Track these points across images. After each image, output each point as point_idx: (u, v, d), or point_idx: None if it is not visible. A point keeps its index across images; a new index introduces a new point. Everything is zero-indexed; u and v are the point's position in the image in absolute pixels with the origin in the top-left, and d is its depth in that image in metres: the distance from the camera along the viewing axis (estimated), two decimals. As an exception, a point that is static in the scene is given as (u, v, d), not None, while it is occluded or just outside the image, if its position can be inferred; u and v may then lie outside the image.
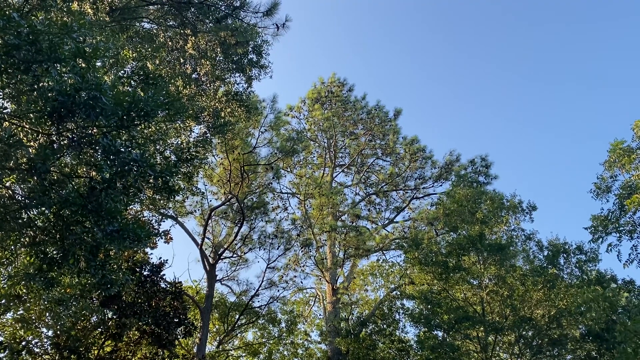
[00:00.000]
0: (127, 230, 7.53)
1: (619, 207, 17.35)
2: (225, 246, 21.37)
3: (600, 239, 18.14)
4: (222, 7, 12.70)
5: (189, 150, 11.54)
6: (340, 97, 27.46)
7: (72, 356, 14.71)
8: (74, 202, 7.30)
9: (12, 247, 9.14)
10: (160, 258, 17.40)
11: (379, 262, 24.72)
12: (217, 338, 24.01)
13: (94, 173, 7.69)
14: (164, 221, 18.98)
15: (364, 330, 20.83)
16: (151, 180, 7.69)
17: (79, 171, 8.27)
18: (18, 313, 14.49)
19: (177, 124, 14.16)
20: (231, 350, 25.22)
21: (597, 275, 20.27)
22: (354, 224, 23.64)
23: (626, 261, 17.24)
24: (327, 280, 23.29)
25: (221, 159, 21.34)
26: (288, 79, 60.53)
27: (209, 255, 21.22)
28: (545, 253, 20.13)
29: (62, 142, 7.47)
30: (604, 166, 17.86)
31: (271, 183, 22.56)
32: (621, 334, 17.83)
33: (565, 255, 20.14)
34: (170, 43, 13.60)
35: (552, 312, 17.40)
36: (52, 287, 9.34)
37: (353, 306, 23.33)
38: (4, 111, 7.62)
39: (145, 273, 16.61)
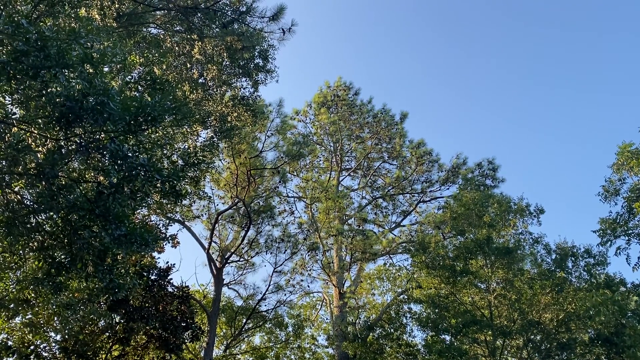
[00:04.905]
0: (134, 234, 7.55)
1: (628, 210, 17.22)
2: (232, 250, 21.41)
3: (609, 242, 18.00)
4: (229, 12, 12.75)
5: (195, 155, 11.57)
6: (347, 101, 27.46)
7: (80, 360, 14.76)
8: (82, 206, 7.33)
9: (21, 252, 9.19)
10: (167, 262, 17.48)
11: (385, 266, 24.67)
12: (224, 342, 24.03)
13: (101, 178, 7.73)
14: (171, 225, 19.07)
15: (371, 334, 20.78)
16: (158, 185, 7.72)
17: (87, 176, 8.32)
18: (26, 317, 14.57)
19: (184, 129, 14.21)
20: (238, 354, 25.24)
21: (606, 279, 20.11)
22: (361, 227, 23.60)
23: (635, 264, 17.09)
24: (334, 284, 23.25)
25: (228, 163, 21.40)
26: (294, 83, 60.68)
27: (216, 259, 21.26)
28: (554, 256, 20.01)
29: (70, 147, 7.51)
30: (612, 169, 17.74)
31: (277, 187, 22.59)
32: (631, 337, 17.68)
33: (573, 258, 20.00)
34: (177, 48, 13.67)
35: (561, 316, 17.28)
36: (60, 292, 9.38)
37: (360, 310, 23.28)
38: (13, 116, 7.68)
39: (152, 277, 16.66)
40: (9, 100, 7.72)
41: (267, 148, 20.59)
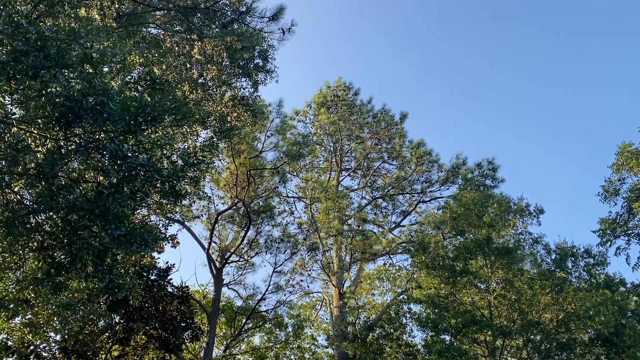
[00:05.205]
0: (134, 234, 7.55)
1: (627, 210, 17.23)
2: (231, 250, 21.40)
3: (609, 242, 18.01)
4: (228, 12, 12.75)
5: (195, 155, 11.58)
6: (346, 101, 27.46)
7: (80, 360, 14.75)
8: (82, 206, 7.33)
9: (21, 252, 9.18)
10: (167, 262, 17.47)
11: (385, 266, 24.67)
12: (224, 342, 24.03)
13: (101, 178, 7.73)
14: (170, 225, 19.11)
15: (370, 334, 20.77)
16: (158, 185, 7.72)
17: (87, 176, 8.32)
18: (26, 317, 14.56)
19: (184, 129, 14.21)
20: (238, 354, 25.24)
21: (606, 279, 20.09)
22: (361, 227, 23.60)
23: (635, 264, 17.10)
24: (333, 285, 23.25)
25: (227, 163, 21.39)
26: (294, 83, 60.70)
27: (216, 260, 21.25)
28: (553, 256, 20.00)
29: (69, 147, 7.51)
30: (611, 169, 17.76)
31: (277, 187, 22.58)
32: (630, 338, 17.67)
33: (573, 258, 19.99)
34: (176, 48, 13.66)
35: (561, 316, 17.28)
36: (59, 292, 9.38)
37: (360, 310, 23.27)
38: (13, 116, 7.68)
39: (152, 277, 16.66)
40: (9, 100, 7.72)
41: (267, 148, 20.61)
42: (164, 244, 17.13)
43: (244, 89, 15.23)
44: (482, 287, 18.50)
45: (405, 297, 21.78)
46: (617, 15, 54.60)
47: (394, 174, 26.17)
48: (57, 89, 6.73)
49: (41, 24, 8.05)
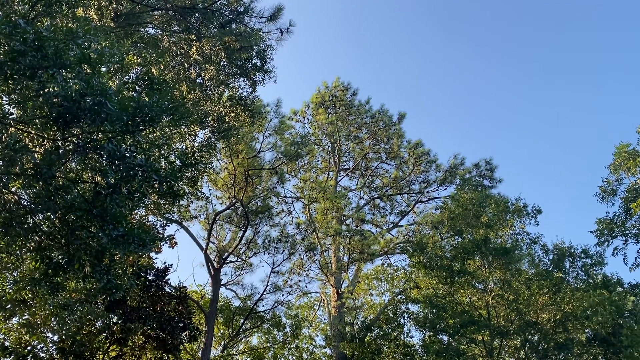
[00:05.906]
0: (132, 234, 7.54)
1: (625, 211, 17.29)
2: (229, 250, 21.37)
3: (606, 243, 18.07)
4: (226, 12, 12.74)
5: (193, 155, 11.57)
6: (344, 101, 27.47)
7: (78, 361, 14.72)
8: (79, 207, 7.32)
9: (18, 252, 9.17)
10: (165, 262, 17.42)
11: (383, 266, 24.68)
12: (222, 342, 23.99)
13: (99, 178, 7.72)
14: (168, 226, 18.98)
15: (368, 334, 20.78)
16: (156, 185, 7.70)
17: (84, 176, 8.30)
18: (23, 318, 14.53)
19: (182, 129, 14.19)
20: (236, 354, 25.20)
21: (603, 279, 20.14)
22: (359, 228, 23.61)
23: (632, 265, 17.16)
24: (331, 285, 23.25)
25: (225, 163, 21.37)
26: (292, 83, 60.70)
27: (214, 260, 21.22)
28: (551, 257, 20.03)
29: (67, 148, 7.50)
30: (609, 169, 17.80)
31: (275, 187, 22.56)
32: (628, 338, 17.72)
33: (570, 259, 20.03)
34: (174, 48, 13.65)
35: (558, 316, 17.30)
36: (57, 292, 9.36)
37: (358, 310, 23.28)
38: (10, 117, 7.66)
39: (150, 278, 16.62)
40: (6, 101, 7.71)
41: (265, 148, 20.59)
42: (161, 244, 17.11)
43: (242, 89, 15.23)
44: (480, 287, 18.52)
45: (403, 297, 21.80)
46: (616, 16, 54.75)
47: (392, 174, 26.20)
48: (55, 89, 6.73)
49: (39, 23, 8.04)
